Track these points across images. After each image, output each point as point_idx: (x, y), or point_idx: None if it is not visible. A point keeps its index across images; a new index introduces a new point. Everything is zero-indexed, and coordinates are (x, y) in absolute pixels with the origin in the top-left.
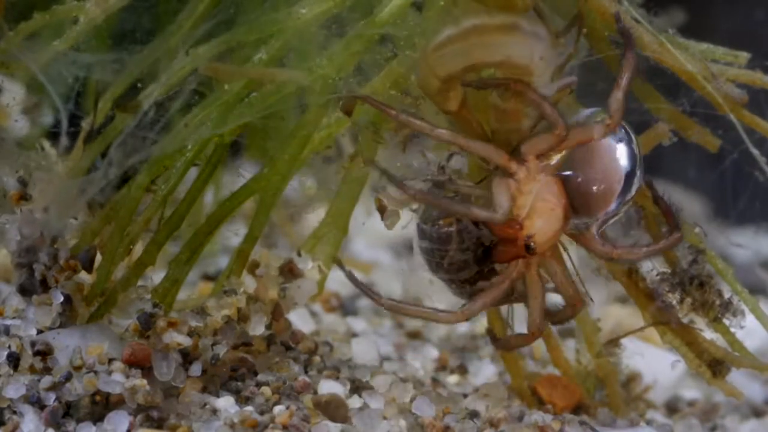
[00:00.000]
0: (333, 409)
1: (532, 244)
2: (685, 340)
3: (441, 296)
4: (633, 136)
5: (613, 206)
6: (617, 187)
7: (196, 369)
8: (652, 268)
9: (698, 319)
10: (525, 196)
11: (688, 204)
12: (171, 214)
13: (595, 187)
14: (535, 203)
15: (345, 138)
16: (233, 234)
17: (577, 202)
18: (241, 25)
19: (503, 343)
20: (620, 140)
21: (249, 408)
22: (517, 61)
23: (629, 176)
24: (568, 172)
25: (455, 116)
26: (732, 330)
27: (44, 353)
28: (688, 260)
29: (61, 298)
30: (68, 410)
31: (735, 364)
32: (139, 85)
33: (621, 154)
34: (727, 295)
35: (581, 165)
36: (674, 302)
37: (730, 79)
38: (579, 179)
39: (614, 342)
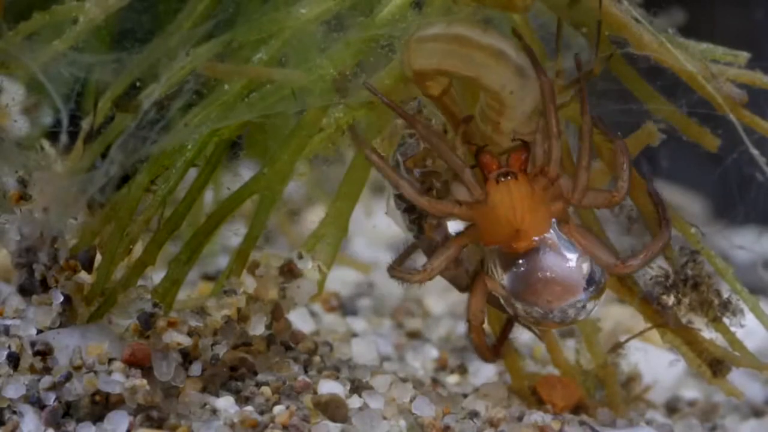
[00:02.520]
0: (333, 409)
1: (509, 177)
2: (685, 339)
3: (440, 297)
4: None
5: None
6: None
7: (196, 369)
8: (644, 272)
9: (698, 318)
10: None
11: (688, 204)
12: (171, 214)
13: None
14: (535, 198)
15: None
16: (233, 234)
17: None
18: (241, 25)
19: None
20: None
21: (249, 408)
22: (486, 85)
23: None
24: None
25: (435, 101)
26: (732, 329)
27: (44, 353)
28: (683, 261)
29: (61, 298)
30: (68, 410)
31: (735, 363)
32: (138, 84)
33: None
34: (726, 294)
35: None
36: (670, 303)
37: (730, 79)
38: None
39: (618, 347)
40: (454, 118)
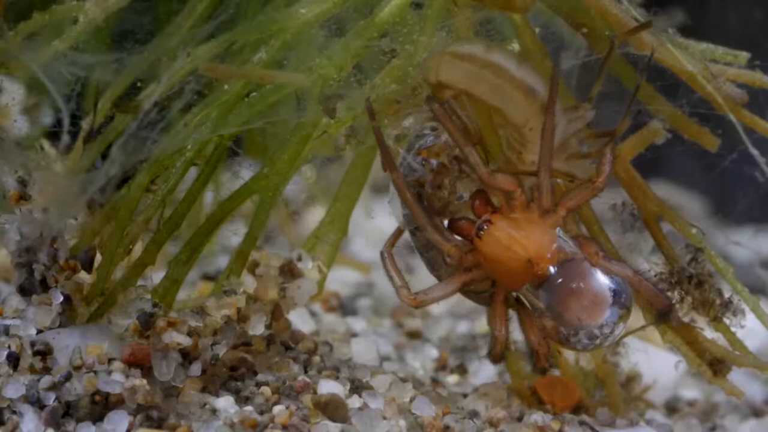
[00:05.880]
0: (333, 409)
1: (485, 227)
2: (686, 339)
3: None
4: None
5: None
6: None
7: (195, 369)
8: (649, 269)
9: (699, 318)
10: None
11: (688, 204)
12: (171, 214)
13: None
14: (521, 224)
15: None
16: (233, 234)
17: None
18: (241, 26)
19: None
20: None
21: (249, 408)
22: (509, 118)
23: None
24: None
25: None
26: (732, 329)
27: (44, 353)
28: (686, 259)
29: (61, 298)
30: (68, 410)
31: (736, 363)
32: (138, 84)
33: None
34: (727, 294)
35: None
36: (673, 301)
37: (730, 79)
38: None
39: (617, 343)
40: (462, 123)
